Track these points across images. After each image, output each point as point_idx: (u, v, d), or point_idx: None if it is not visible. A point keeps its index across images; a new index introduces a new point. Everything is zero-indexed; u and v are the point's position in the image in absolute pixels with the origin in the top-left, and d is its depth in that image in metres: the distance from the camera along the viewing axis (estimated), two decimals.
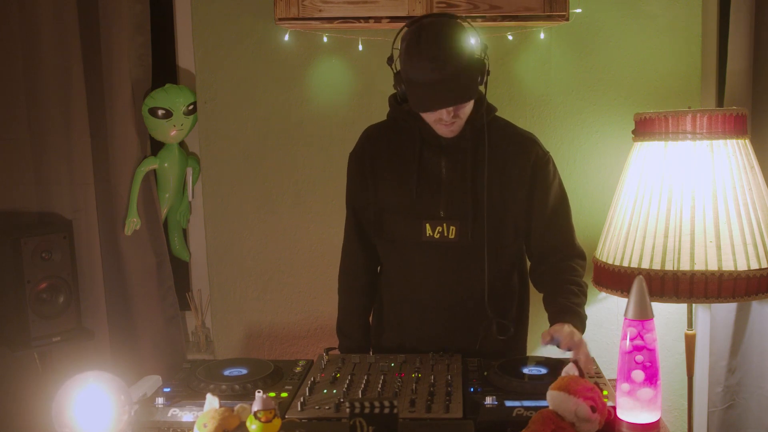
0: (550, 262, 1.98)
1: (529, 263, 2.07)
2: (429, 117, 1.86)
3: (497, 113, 1.99)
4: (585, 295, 1.93)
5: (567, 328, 1.76)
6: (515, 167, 1.93)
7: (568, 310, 1.85)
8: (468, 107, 1.85)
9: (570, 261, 1.97)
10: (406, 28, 1.83)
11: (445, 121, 1.84)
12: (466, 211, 1.90)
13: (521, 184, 1.93)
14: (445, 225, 1.91)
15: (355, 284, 2.12)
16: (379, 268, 2.11)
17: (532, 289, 2.10)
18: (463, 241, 1.91)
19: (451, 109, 1.80)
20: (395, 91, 1.88)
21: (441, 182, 1.93)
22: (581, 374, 1.54)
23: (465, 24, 1.83)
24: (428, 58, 1.74)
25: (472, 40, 1.81)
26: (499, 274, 1.96)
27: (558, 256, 1.97)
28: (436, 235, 1.92)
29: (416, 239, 1.93)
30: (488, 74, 1.84)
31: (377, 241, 2.04)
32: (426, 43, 1.75)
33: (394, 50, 1.87)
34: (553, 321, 1.86)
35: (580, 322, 1.85)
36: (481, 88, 1.86)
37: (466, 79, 1.77)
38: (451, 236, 1.91)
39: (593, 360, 1.76)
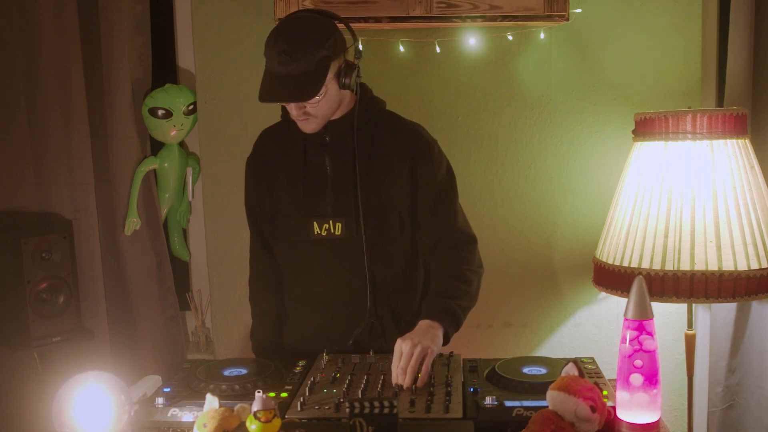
0: (438, 254, 1.96)
1: (422, 255, 2.05)
2: (289, 111, 1.87)
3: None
4: (469, 283, 1.91)
5: (415, 338, 1.71)
6: (397, 160, 1.94)
7: (438, 308, 1.83)
8: (323, 107, 1.85)
9: (457, 252, 1.95)
10: None
11: (294, 116, 1.86)
12: (350, 207, 1.91)
13: (403, 176, 1.94)
14: (331, 222, 1.92)
15: (262, 287, 2.13)
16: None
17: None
18: (349, 237, 1.92)
19: (301, 105, 1.82)
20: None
21: (327, 180, 1.94)
22: (581, 374, 1.54)
23: (342, 26, 1.86)
24: (278, 50, 1.76)
25: (337, 42, 1.82)
26: (390, 268, 1.96)
27: (444, 245, 1.96)
28: (324, 233, 1.93)
29: (305, 238, 1.94)
30: (358, 75, 1.87)
31: (273, 243, 2.06)
32: (281, 37, 1.77)
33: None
34: (421, 317, 1.83)
35: (447, 320, 1.81)
36: (351, 87, 1.87)
37: (308, 80, 1.77)
38: (338, 233, 1.92)
39: (412, 373, 1.66)
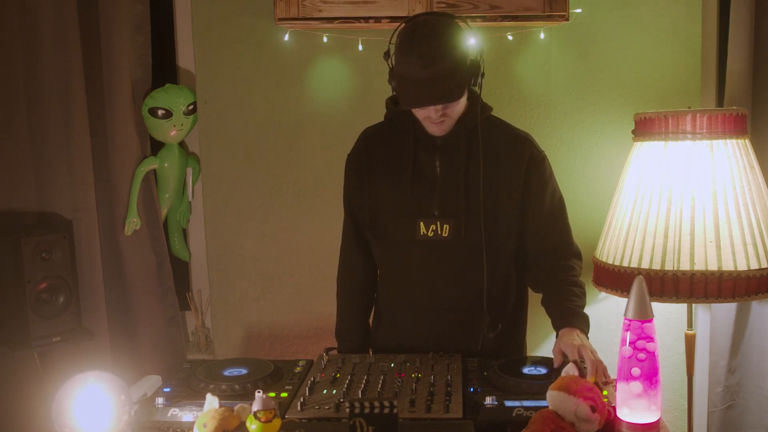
0: (548, 263, 1.97)
1: (525, 263, 2.05)
2: (419, 114, 1.86)
3: (493, 113, 2.00)
4: (585, 296, 1.93)
5: (576, 341, 1.73)
6: (509, 166, 1.94)
7: (572, 314, 1.85)
8: (458, 106, 1.85)
9: (567, 261, 1.97)
10: (403, 25, 1.84)
11: (433, 119, 1.84)
12: (459, 210, 1.90)
13: (515, 182, 1.94)
14: (438, 223, 1.91)
15: (353, 285, 2.11)
16: (378, 270, 2.11)
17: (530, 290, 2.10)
18: (456, 240, 1.91)
19: (439, 107, 1.81)
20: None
21: (435, 181, 1.93)
22: (581, 374, 1.54)
23: (463, 24, 1.84)
24: (419, 54, 1.75)
25: (467, 41, 1.81)
26: (495, 272, 1.96)
27: (555, 257, 1.97)
28: (430, 234, 1.92)
29: (410, 238, 1.93)
30: (483, 75, 1.85)
31: (373, 242, 2.04)
32: (418, 40, 1.76)
33: (390, 45, 1.88)
34: (557, 325, 1.86)
35: (585, 324, 1.85)
36: (476, 88, 1.88)
37: (454, 79, 1.77)
38: (445, 234, 1.91)
39: (604, 365, 1.68)
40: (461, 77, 1.79)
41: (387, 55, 1.88)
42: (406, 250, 1.96)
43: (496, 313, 1.97)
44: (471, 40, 1.83)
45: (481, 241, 1.90)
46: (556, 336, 1.84)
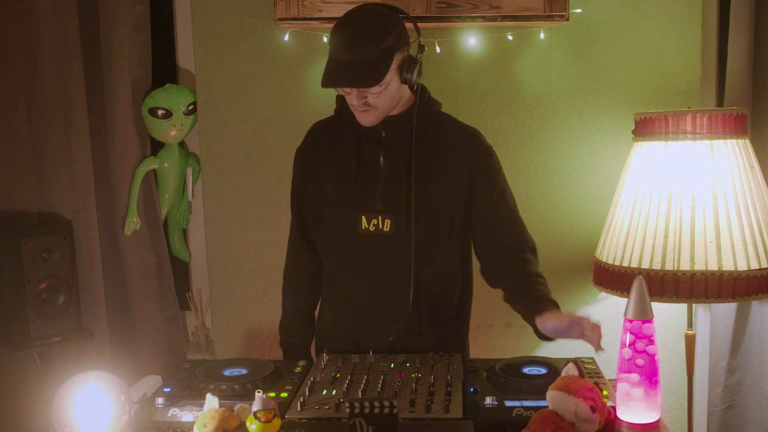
0: (504, 260, 1.96)
1: (479, 261, 2.04)
2: (348, 101, 1.88)
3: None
4: (547, 286, 1.92)
5: (588, 321, 1.71)
6: (454, 161, 1.93)
7: (548, 300, 1.84)
8: (383, 99, 1.84)
9: (524, 255, 1.95)
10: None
11: (356, 107, 1.86)
12: (401, 204, 1.90)
13: (459, 178, 1.93)
14: (380, 218, 1.91)
15: (297, 281, 2.11)
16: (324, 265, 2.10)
17: (478, 287, 2.07)
18: (397, 234, 1.90)
19: (363, 93, 1.82)
20: None
21: (379, 175, 1.93)
22: (581, 374, 1.55)
23: (411, 25, 1.86)
24: (344, 37, 1.78)
25: (401, 36, 1.82)
26: (435, 268, 1.95)
27: (511, 253, 1.96)
28: (371, 228, 1.91)
29: (352, 232, 1.93)
30: (419, 72, 1.86)
31: (317, 236, 2.04)
32: (347, 23, 1.80)
33: None
34: (530, 312, 1.83)
35: (557, 309, 1.83)
36: (410, 84, 1.87)
37: (372, 67, 1.78)
38: (386, 229, 1.91)
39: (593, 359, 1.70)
40: (380, 67, 1.79)
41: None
42: (349, 244, 1.96)
43: (436, 311, 1.96)
44: (402, 36, 1.83)
45: (422, 237, 1.90)
46: (535, 330, 1.82)
